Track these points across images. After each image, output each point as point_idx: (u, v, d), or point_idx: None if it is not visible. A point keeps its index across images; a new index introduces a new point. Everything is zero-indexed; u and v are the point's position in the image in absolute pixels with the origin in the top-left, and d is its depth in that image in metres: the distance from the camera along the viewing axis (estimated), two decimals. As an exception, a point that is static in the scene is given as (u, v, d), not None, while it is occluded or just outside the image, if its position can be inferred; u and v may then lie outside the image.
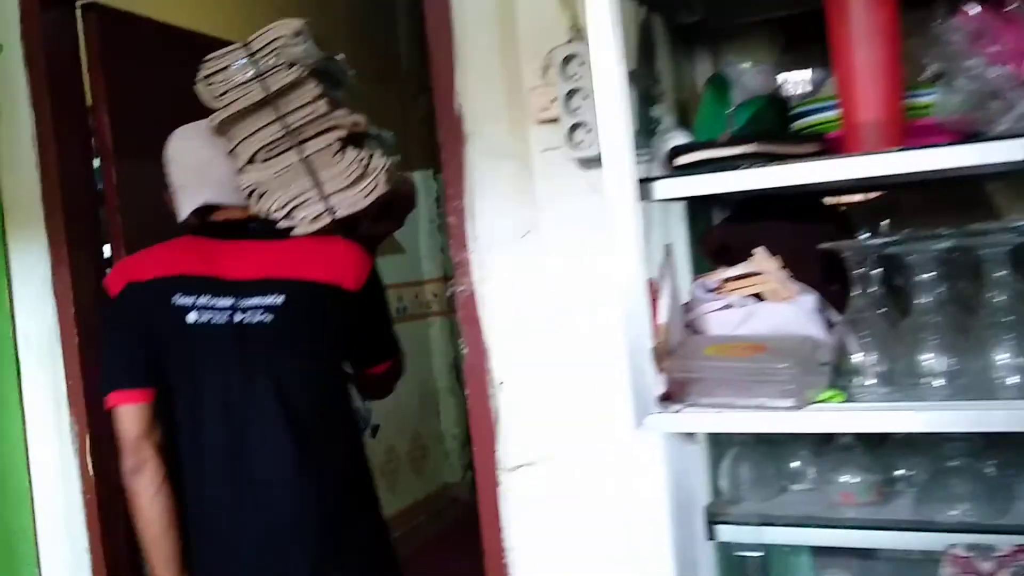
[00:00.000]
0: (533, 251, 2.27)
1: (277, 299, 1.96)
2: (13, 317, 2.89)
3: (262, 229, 2.06)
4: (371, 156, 2.05)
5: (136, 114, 2.92)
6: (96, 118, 2.92)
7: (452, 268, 2.40)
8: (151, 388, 1.96)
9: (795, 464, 1.90)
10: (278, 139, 2.03)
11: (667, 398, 1.58)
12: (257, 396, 1.95)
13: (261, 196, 2.05)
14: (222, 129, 2.05)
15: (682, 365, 1.58)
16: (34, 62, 2.81)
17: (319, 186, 2.02)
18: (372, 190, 2.03)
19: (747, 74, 1.79)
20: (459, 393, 5.50)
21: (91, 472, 2.85)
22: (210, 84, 2.03)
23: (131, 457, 1.95)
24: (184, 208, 2.08)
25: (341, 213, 2.03)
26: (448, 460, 6.09)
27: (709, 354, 1.61)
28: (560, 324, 2.23)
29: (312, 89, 2.01)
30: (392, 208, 2.22)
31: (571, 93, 2.01)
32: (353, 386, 2.21)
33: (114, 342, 2.03)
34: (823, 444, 1.85)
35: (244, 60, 1.99)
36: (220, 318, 1.95)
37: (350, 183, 2.03)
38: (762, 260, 1.68)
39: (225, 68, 2.01)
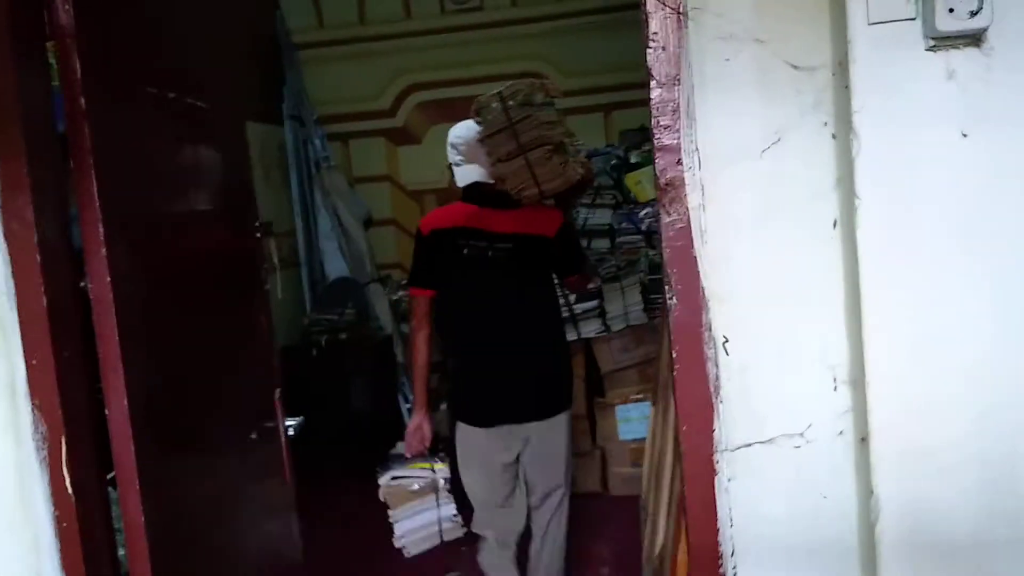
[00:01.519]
0: (786, 167, 1.73)
1: (509, 244, 3.27)
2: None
3: (505, 200, 3.26)
4: (567, 160, 3.21)
5: (110, 45, 2.11)
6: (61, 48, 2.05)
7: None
8: (434, 290, 3.34)
9: None
10: (513, 151, 3.18)
11: None
12: (498, 291, 3.30)
13: (504, 181, 3.23)
14: (482, 139, 3.26)
15: None
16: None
17: (535, 178, 3.18)
18: (566, 180, 3.21)
19: None
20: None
21: (69, 489, 2.00)
22: (477, 114, 3.26)
23: (417, 323, 3.40)
24: (462, 180, 3.36)
25: (548, 193, 3.24)
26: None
27: None
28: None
29: (535, 121, 3.17)
30: (577, 188, 3.39)
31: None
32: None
33: (420, 262, 3.37)
34: None
35: (498, 103, 3.20)
36: (482, 252, 3.27)
37: (554, 176, 3.19)
38: None
39: (486, 106, 3.23)
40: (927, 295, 1.58)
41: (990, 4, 1.47)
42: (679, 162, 1.76)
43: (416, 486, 3.52)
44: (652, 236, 5.48)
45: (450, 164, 3.38)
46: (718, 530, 1.82)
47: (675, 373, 1.81)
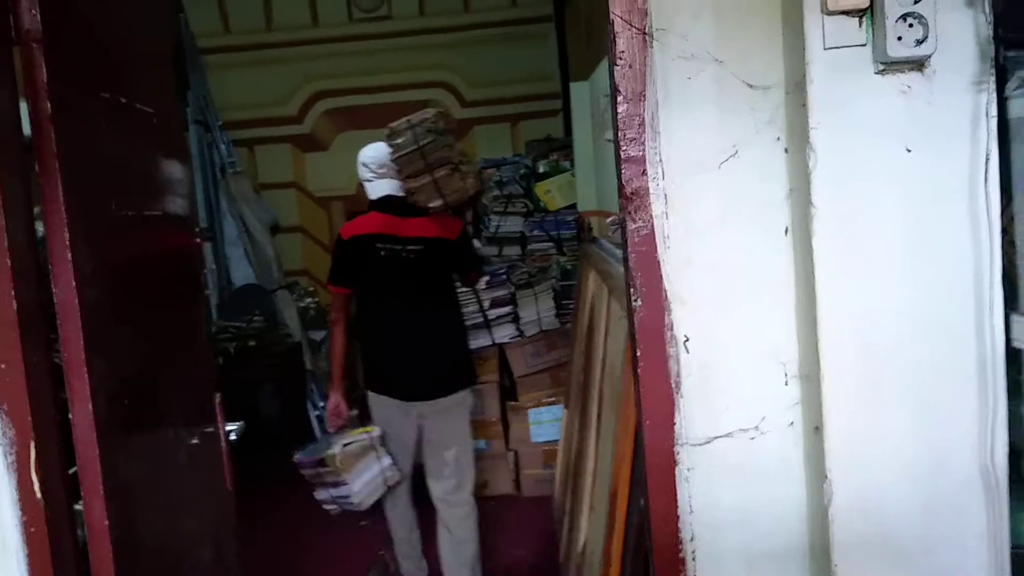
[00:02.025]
0: (742, 178, 1.87)
1: (420, 246, 3.87)
2: None
3: (413, 210, 3.86)
4: (465, 176, 3.86)
5: (71, 49, 2.12)
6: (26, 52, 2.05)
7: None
8: (351, 288, 3.95)
9: None
10: (421, 169, 3.80)
11: None
12: (409, 286, 3.88)
13: (414, 195, 3.84)
14: (395, 159, 3.83)
15: None
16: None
17: (440, 192, 3.80)
18: (464, 193, 3.88)
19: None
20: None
21: (38, 494, 2.00)
22: (389, 138, 3.84)
23: (336, 316, 4.05)
24: (374, 194, 3.95)
25: (451, 204, 3.88)
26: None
27: None
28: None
29: (438, 144, 3.80)
30: (473, 199, 4.21)
31: (903, -26, 1.66)
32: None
33: (341, 263, 3.96)
34: None
35: (408, 129, 3.81)
36: (395, 253, 3.85)
37: (456, 190, 3.83)
38: None
39: (398, 131, 3.82)
40: (876, 296, 1.74)
41: (934, 34, 1.63)
42: (644, 172, 1.88)
43: (365, 444, 4.00)
44: (563, 243, 5.63)
45: (361, 181, 3.98)
46: (678, 517, 1.94)
47: (638, 371, 1.93)
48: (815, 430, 1.83)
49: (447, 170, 3.78)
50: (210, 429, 2.89)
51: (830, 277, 1.73)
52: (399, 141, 3.82)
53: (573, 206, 5.76)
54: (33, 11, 2.03)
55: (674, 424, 1.93)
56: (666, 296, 1.90)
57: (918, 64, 1.69)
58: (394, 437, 3.98)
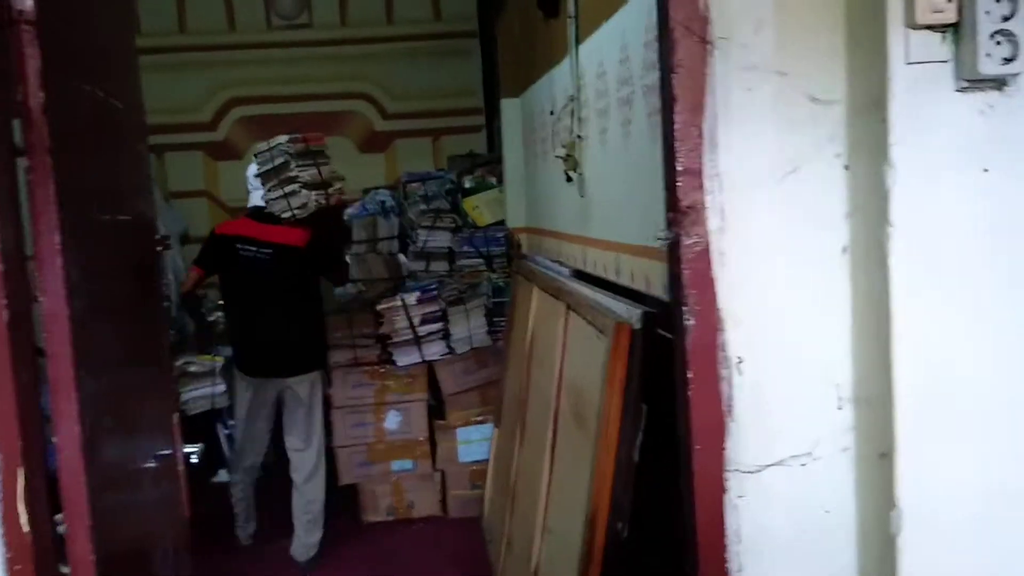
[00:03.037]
0: (801, 195, 1.81)
1: (271, 250, 4.55)
2: None
3: (271, 219, 4.59)
4: (311, 196, 4.58)
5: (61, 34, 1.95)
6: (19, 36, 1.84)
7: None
8: (206, 272, 4.75)
9: None
10: (275, 185, 4.59)
11: None
12: (260, 285, 4.58)
13: (269, 206, 4.60)
14: (258, 175, 4.68)
15: None
16: None
17: (290, 205, 4.56)
18: (308, 209, 4.58)
19: None
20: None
21: (26, 527, 1.78)
22: (256, 157, 4.75)
23: (184, 286, 4.95)
24: (250, 203, 4.71)
25: (298, 216, 4.57)
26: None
27: None
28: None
29: (291, 165, 4.58)
30: (327, 213, 4.75)
31: (998, -10, 1.62)
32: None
33: (206, 252, 4.77)
34: None
35: (267, 150, 4.66)
36: (252, 254, 4.54)
37: (301, 205, 4.57)
38: None
39: (262, 151, 4.70)
40: (952, 319, 1.70)
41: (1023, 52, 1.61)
42: (701, 186, 1.80)
43: (200, 369, 5.07)
44: (493, 260, 5.53)
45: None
46: (726, 547, 1.86)
47: (689, 393, 1.84)
48: (880, 456, 1.77)
49: (296, 187, 4.56)
50: (167, 451, 2.68)
51: (906, 298, 1.69)
52: (261, 160, 4.69)
53: (502, 222, 5.68)
54: (29, -8, 1.82)
55: (724, 449, 1.85)
56: (720, 315, 1.83)
57: (1000, 83, 1.66)
58: (247, 407, 4.79)
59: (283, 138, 4.63)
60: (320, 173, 4.65)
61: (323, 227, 4.75)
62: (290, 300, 4.68)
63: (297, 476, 4.80)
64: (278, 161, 4.60)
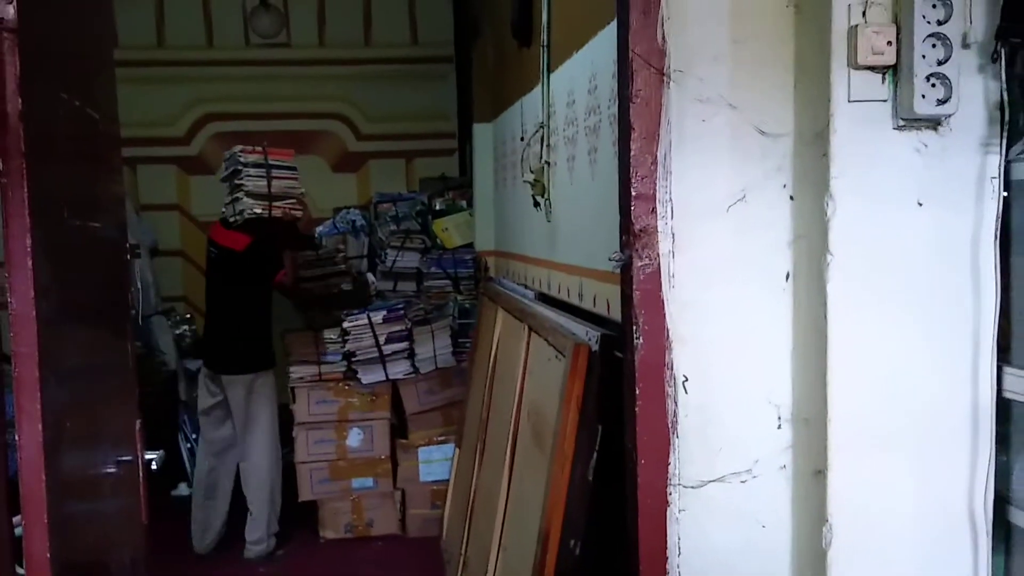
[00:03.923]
0: (748, 222, 1.90)
1: (218, 251, 4.96)
2: None
3: (228, 224, 4.92)
4: (249, 204, 4.77)
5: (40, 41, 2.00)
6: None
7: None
8: None
9: None
10: (227, 192, 4.95)
11: None
12: (211, 283, 5.11)
13: (224, 209, 4.96)
14: (220, 180, 5.10)
15: None
16: None
17: (235, 211, 4.82)
18: (244, 217, 4.77)
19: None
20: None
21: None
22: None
23: None
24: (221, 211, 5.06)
25: (239, 222, 4.82)
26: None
27: None
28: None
29: (241, 175, 4.81)
30: (279, 223, 4.93)
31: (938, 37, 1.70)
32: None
33: None
34: None
35: (226, 158, 4.96)
36: (212, 255, 5.03)
37: (240, 212, 4.78)
38: None
39: (225, 160, 5.00)
40: (884, 343, 1.79)
41: (956, 95, 1.71)
42: (654, 210, 1.89)
43: None
44: (460, 282, 5.60)
45: None
46: (667, 558, 1.93)
47: (636, 409, 1.92)
48: (815, 473, 1.85)
49: (241, 194, 4.80)
50: (128, 458, 2.71)
51: (842, 323, 1.77)
52: (224, 167, 5.04)
53: (470, 245, 5.75)
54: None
55: (668, 464, 1.92)
56: (668, 335, 1.90)
57: (934, 123, 1.76)
58: (202, 400, 5.12)
59: (236, 148, 4.89)
60: (269, 185, 4.85)
61: (266, 236, 4.92)
62: (229, 300, 5.00)
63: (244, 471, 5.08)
64: (230, 169, 4.92)
